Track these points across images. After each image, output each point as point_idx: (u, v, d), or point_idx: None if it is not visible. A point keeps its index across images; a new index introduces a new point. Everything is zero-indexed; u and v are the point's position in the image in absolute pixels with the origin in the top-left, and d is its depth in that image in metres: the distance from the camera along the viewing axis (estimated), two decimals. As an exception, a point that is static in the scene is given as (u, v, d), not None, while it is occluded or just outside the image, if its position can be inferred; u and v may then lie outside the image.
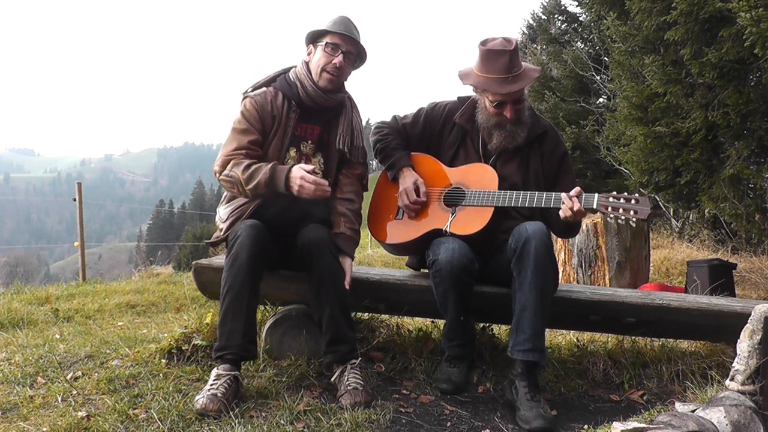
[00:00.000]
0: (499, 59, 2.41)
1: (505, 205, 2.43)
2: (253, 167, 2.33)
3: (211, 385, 2.12)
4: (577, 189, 2.33)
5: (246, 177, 2.32)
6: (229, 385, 2.13)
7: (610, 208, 2.30)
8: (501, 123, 2.50)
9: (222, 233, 2.50)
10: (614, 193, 2.32)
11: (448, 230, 2.47)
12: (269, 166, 2.32)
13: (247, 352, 2.24)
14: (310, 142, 2.53)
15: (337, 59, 2.42)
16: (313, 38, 2.50)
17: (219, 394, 2.08)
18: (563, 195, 2.34)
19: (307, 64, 2.51)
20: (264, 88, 2.51)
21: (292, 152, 2.50)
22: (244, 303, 2.21)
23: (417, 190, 2.57)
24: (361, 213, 2.67)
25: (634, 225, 2.31)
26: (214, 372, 2.17)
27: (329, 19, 2.51)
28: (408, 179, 2.60)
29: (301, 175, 2.29)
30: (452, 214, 2.50)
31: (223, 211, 2.54)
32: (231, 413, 2.03)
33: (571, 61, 12.76)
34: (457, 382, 2.46)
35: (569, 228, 2.55)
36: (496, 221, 2.45)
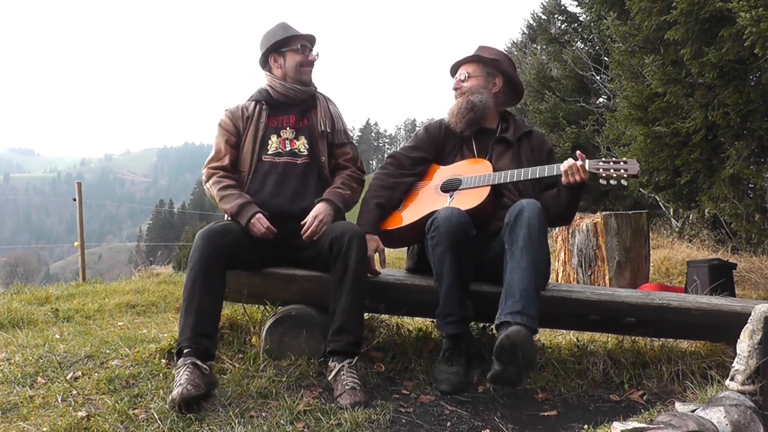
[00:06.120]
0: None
1: (502, 182, 2.54)
2: (227, 192, 2.59)
3: (173, 382, 2.15)
4: (581, 154, 2.46)
5: (219, 198, 2.61)
6: (191, 373, 2.13)
7: (601, 170, 2.43)
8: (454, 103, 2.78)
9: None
10: (603, 158, 2.49)
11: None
12: (237, 202, 2.54)
13: (197, 344, 2.23)
14: (288, 128, 2.73)
15: (312, 56, 2.77)
16: (276, 49, 2.75)
17: (184, 388, 2.07)
18: (569, 160, 2.44)
19: (275, 76, 2.76)
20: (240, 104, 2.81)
21: (273, 138, 2.70)
22: (195, 300, 2.28)
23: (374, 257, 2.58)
24: (356, 199, 2.74)
25: (626, 183, 2.43)
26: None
27: (271, 34, 2.75)
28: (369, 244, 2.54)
29: (258, 220, 2.50)
30: (450, 197, 2.60)
31: None
32: (231, 413, 2.03)
33: (571, 61, 12.76)
34: (456, 383, 2.45)
35: (569, 201, 2.52)
36: (494, 202, 2.54)
